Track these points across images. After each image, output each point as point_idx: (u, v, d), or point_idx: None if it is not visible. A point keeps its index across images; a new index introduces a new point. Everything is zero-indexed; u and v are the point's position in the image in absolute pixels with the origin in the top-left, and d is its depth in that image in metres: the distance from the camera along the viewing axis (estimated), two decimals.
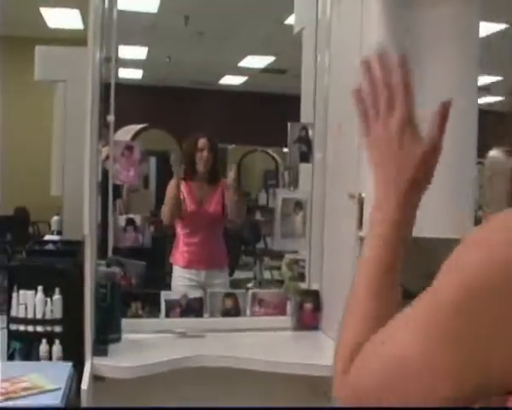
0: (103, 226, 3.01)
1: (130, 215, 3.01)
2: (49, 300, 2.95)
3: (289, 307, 3.25)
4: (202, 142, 4.20)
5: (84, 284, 2.69)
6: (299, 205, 3.17)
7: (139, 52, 10.21)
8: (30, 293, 2.99)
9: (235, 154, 12.10)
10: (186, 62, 10.79)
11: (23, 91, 8.40)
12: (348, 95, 1.02)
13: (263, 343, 3.06)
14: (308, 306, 3.19)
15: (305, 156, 3.18)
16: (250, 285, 9.53)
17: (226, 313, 3.16)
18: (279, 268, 8.69)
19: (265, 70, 11.13)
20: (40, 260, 4.92)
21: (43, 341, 2.97)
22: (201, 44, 9.37)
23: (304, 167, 3.29)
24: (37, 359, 3.08)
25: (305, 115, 3.34)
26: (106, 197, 3.11)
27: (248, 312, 3.20)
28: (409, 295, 0.86)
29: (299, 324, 3.19)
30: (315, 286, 3.23)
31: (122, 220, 2.99)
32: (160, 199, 6.20)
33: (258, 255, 9.46)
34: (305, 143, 3.17)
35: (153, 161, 10.54)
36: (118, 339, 2.91)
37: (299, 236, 3.19)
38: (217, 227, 4.41)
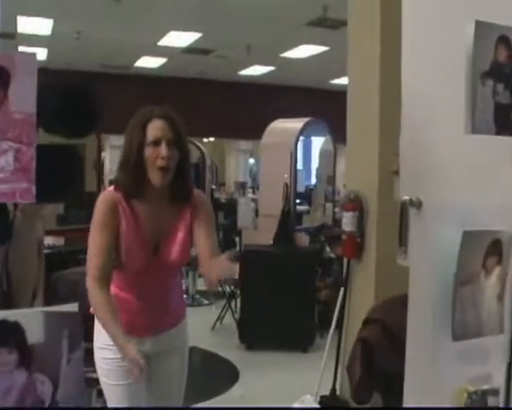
0: None
1: None
2: None
3: None
4: (158, 125, 1.90)
5: None
6: (496, 250, 1.04)
7: (43, 26, 7.89)
8: None
9: None
10: (98, 39, 8.50)
11: None
12: None
13: None
14: None
15: (506, 118, 1.05)
16: None
17: None
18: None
19: (188, 50, 8.95)
20: None
21: None
22: (116, 16, 7.18)
23: (465, 149, 1.16)
24: None
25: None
26: None
27: None
28: None
29: None
30: None
31: None
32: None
33: (190, 264, 7.22)
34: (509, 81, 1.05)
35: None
36: None
37: (491, 331, 1.06)
38: (178, 272, 2.16)
